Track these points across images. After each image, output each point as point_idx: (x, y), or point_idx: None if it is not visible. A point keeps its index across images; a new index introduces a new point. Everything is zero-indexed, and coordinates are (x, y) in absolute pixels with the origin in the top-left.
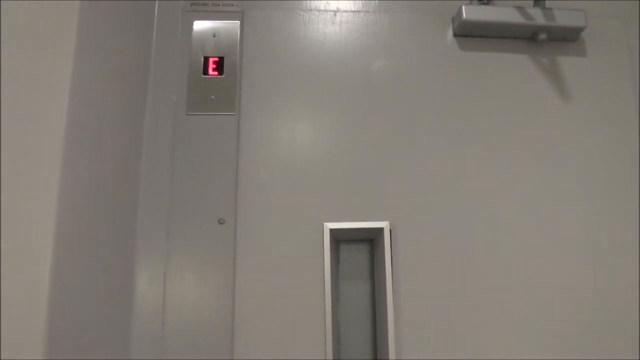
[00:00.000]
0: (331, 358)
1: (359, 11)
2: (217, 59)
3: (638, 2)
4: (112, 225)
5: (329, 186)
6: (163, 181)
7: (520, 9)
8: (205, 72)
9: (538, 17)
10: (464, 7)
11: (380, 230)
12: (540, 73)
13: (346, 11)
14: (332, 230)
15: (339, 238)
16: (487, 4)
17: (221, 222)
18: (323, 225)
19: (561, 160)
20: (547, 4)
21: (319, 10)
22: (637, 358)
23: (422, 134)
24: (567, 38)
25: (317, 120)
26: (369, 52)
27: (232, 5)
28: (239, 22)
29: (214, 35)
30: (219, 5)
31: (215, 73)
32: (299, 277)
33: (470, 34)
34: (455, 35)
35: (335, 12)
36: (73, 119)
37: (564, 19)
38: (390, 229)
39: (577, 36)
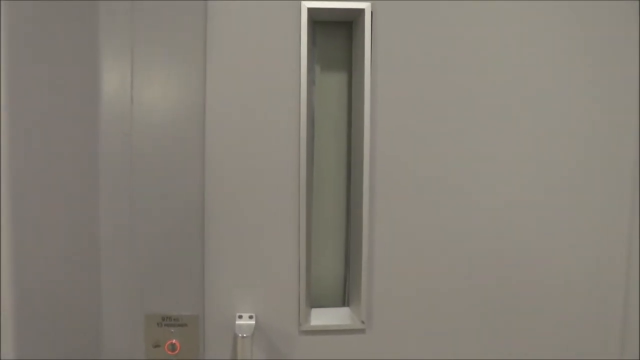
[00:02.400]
0: (304, 157)
1: None
2: None
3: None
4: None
5: None
6: None
7: None
8: None
9: None
10: None
11: (361, 11)
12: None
13: None
14: (309, 10)
15: (317, 19)
16: None
17: None
18: (300, 4)
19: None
20: None
21: None
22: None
23: None
24: None
25: None
26: None
27: None
28: None
29: None
30: None
31: None
32: (274, 61)
33: None
34: None
35: None
36: None
37: None
38: (372, 11)
39: None
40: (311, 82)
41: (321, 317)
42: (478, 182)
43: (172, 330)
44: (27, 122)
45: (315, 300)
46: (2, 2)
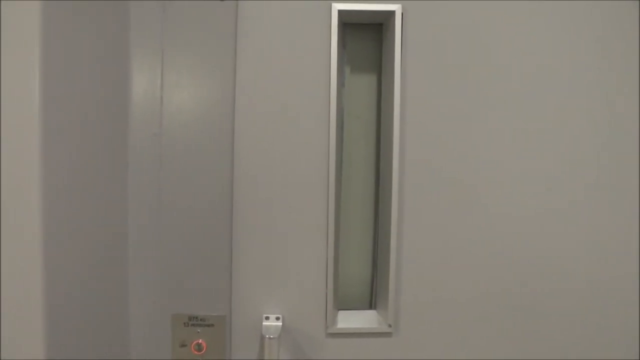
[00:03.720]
0: (333, 159)
1: None
2: None
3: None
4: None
5: None
6: None
7: None
8: None
9: None
10: None
11: (392, 13)
12: None
13: None
14: (340, 12)
15: (347, 21)
16: None
17: None
18: (331, 5)
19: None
20: None
21: None
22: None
23: None
24: None
25: None
26: None
27: None
28: None
29: None
30: None
31: None
32: (304, 63)
33: None
34: None
35: None
36: None
37: None
38: (403, 13)
39: None
40: (341, 84)
41: (348, 320)
42: (506, 187)
43: (199, 331)
44: (59, 121)
45: (342, 303)
46: (40, 2)
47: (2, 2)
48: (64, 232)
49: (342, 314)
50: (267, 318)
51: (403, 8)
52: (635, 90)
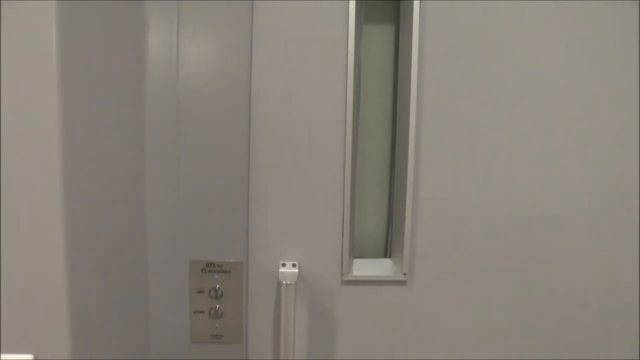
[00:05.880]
0: (351, 108)
1: None
2: None
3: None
4: None
5: None
6: None
7: None
8: None
9: None
10: None
11: None
12: None
13: None
14: None
15: None
16: None
17: None
18: None
19: None
20: None
21: None
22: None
23: None
24: None
25: None
26: None
27: None
28: None
29: None
30: None
31: None
32: (321, 15)
33: None
34: None
35: None
36: None
37: None
38: None
39: None
40: (359, 35)
41: (363, 268)
42: (526, 141)
43: (216, 277)
44: (76, 73)
45: (358, 251)
46: None
47: None
48: (83, 178)
49: (357, 262)
50: (283, 265)
51: None
52: None
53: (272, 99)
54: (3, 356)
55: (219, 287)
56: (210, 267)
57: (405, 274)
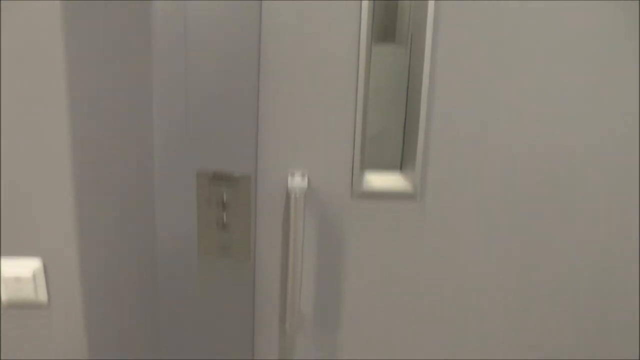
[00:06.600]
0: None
1: None
2: None
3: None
4: None
5: None
6: None
7: None
8: None
9: None
10: None
11: None
12: None
13: None
14: None
15: None
16: None
17: None
18: None
19: None
20: None
21: None
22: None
23: None
24: None
25: None
26: None
27: None
28: None
29: None
30: None
31: None
32: None
33: None
34: None
35: None
36: None
37: None
38: None
39: None
40: None
41: (374, 181)
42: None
43: (224, 188)
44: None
45: (369, 164)
46: None
47: None
48: (91, 83)
49: (368, 175)
50: (292, 174)
51: None
52: None
53: (284, 4)
54: (10, 260)
55: (226, 199)
56: (217, 178)
57: (416, 188)
